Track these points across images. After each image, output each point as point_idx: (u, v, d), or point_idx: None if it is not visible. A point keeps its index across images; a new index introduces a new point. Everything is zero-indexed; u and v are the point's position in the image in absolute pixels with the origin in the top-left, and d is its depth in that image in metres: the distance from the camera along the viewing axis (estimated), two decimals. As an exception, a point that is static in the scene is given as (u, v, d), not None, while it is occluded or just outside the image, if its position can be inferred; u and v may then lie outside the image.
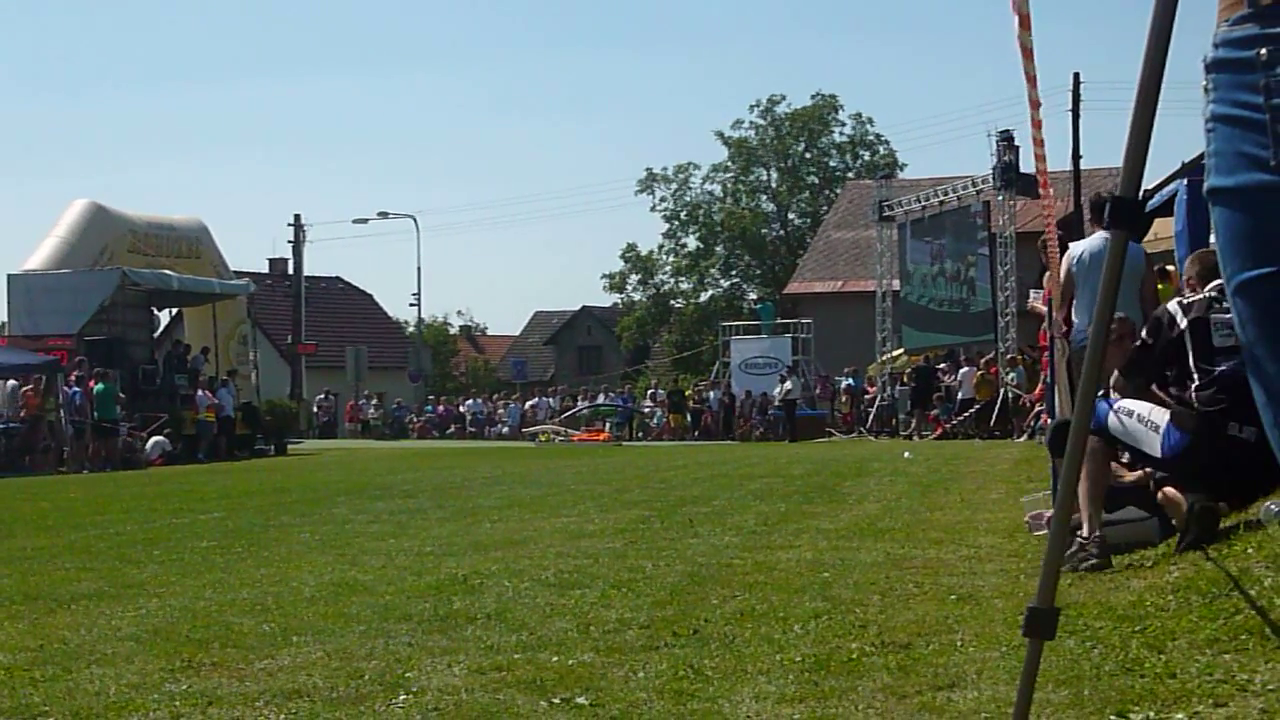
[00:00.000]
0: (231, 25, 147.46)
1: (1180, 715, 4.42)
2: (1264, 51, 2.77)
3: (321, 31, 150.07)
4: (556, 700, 5.06)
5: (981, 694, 4.82)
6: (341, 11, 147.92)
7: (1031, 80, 9.44)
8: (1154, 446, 7.78)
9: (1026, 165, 37.75)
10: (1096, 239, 10.75)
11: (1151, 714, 4.45)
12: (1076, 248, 10.70)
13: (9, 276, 38.29)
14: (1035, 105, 10.00)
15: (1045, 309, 12.33)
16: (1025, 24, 8.82)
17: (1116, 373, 8.13)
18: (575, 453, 35.68)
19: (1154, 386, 8.06)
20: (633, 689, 5.19)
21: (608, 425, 49.32)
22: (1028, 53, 9.05)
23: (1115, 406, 7.92)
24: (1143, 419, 7.85)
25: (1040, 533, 9.16)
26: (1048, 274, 11.86)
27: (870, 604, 7.00)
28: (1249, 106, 2.79)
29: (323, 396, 63.57)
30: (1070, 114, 49.14)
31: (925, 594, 7.29)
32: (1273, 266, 2.77)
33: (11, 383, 33.69)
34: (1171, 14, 3.09)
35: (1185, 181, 11.39)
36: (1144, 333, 8.10)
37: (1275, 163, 2.74)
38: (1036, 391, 31.95)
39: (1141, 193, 3.36)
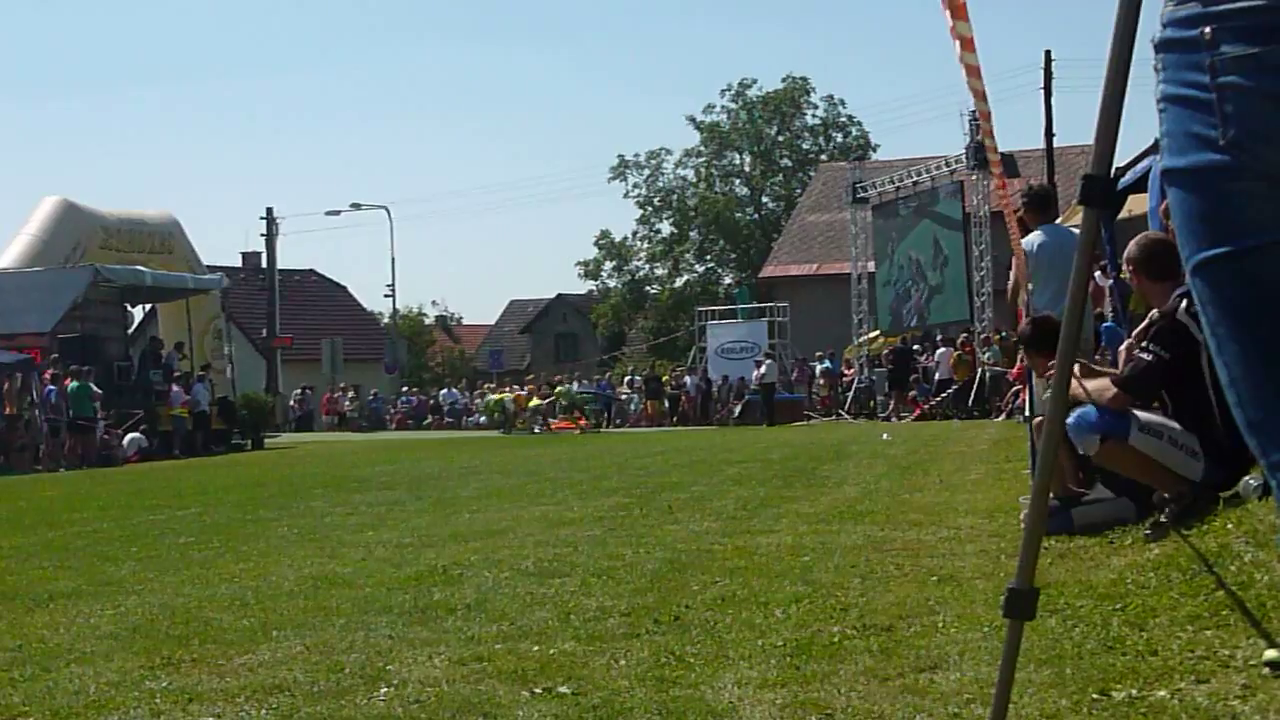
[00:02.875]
0: (200, 20, 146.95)
1: (1162, 692, 4.42)
2: (1208, 30, 2.76)
3: (289, 24, 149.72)
4: (538, 690, 5.05)
5: (964, 675, 4.82)
6: (313, 4, 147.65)
7: (973, 71, 9.30)
8: (1193, 472, 7.65)
9: (1000, 144, 37.82)
10: (1047, 230, 10.78)
11: (1134, 691, 4.45)
12: (1032, 239, 10.73)
13: (-20, 276, 38.16)
14: (980, 95, 9.89)
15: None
16: (960, 13, 8.68)
17: (1111, 386, 7.88)
18: (553, 441, 35.65)
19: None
20: (614, 677, 5.18)
21: (585, 413, 49.28)
22: (967, 43, 8.93)
23: (1142, 424, 7.76)
24: (1176, 442, 7.70)
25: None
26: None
27: (851, 587, 7.00)
28: (1197, 86, 2.79)
29: (299, 393, 63.52)
30: (1042, 92, 49.28)
31: (906, 576, 7.29)
32: (1229, 246, 2.77)
33: (-14, 381, 33.60)
34: (1141, -10, 3.08)
35: (1158, 157, 11.38)
36: (1158, 346, 7.73)
37: (1224, 142, 2.74)
38: (1015, 370, 32.01)
39: (1114, 170, 3.35)
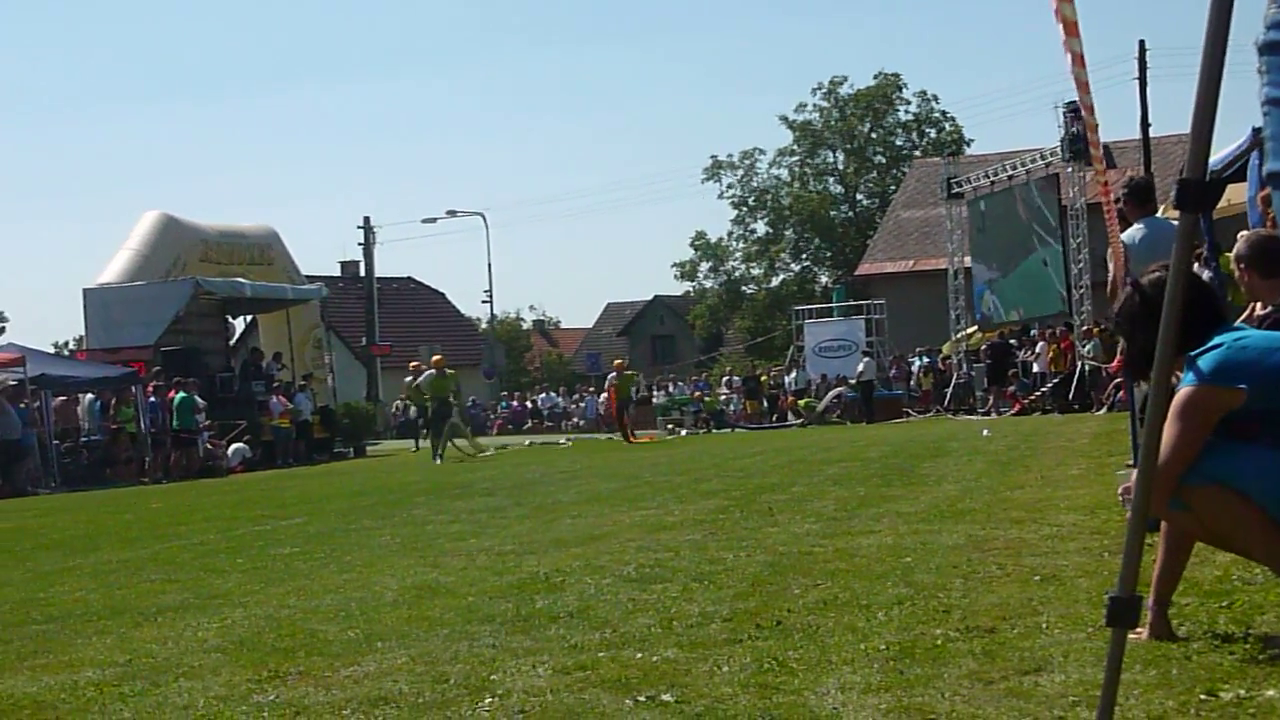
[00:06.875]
0: (295, 30, 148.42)
1: (1271, 691, 4.37)
2: None
3: (384, 33, 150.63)
4: (641, 698, 5.04)
5: (1069, 677, 4.78)
6: (404, 12, 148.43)
7: (1078, 59, 9.15)
8: None
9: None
10: (1147, 223, 10.61)
11: (1242, 691, 4.40)
12: (1133, 233, 10.59)
13: (85, 291, 38.63)
14: (1084, 87, 9.71)
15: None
16: None
17: None
18: (652, 445, 35.59)
19: None
20: (717, 684, 5.17)
21: (684, 417, 49.37)
22: (1071, 27, 8.77)
23: None
24: None
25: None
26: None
27: (953, 588, 6.96)
28: None
29: (400, 400, 63.86)
30: (1137, 82, 48.85)
31: (1008, 576, 7.23)
32: None
33: (89, 396, 34.00)
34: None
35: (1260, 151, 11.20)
36: None
37: None
38: (1115, 363, 31.67)
39: (1209, 168, 3.33)
